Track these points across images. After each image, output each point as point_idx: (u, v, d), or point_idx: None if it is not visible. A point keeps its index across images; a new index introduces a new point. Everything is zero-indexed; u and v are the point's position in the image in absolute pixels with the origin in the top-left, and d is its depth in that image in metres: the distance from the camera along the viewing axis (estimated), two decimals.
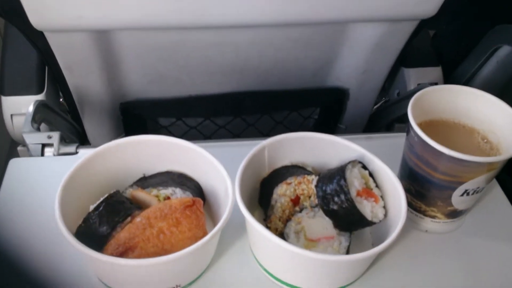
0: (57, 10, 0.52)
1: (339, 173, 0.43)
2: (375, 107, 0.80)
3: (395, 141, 0.54)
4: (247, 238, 0.47)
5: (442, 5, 0.57)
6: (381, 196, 0.45)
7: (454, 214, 0.47)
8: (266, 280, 0.45)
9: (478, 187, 0.44)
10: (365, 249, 0.40)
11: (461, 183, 0.43)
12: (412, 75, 0.74)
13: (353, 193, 0.42)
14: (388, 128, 0.78)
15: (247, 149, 0.46)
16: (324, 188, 0.43)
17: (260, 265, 0.45)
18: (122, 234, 0.41)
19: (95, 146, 0.47)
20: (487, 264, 0.48)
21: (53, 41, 0.58)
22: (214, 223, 0.48)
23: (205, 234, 0.43)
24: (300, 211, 0.45)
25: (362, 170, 0.45)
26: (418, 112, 0.45)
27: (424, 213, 0.48)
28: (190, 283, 0.44)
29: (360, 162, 0.45)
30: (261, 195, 0.48)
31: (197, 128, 0.76)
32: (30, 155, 0.57)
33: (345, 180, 0.42)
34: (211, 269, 0.46)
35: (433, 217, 0.48)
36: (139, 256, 0.40)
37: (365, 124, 0.80)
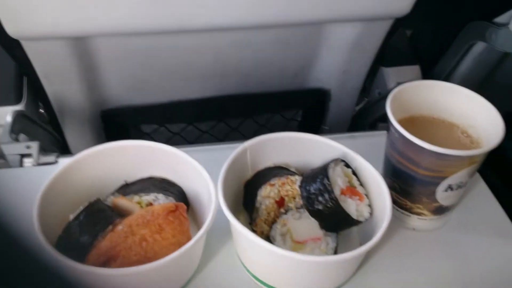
0: (32, 18, 0.51)
1: (322, 172, 0.43)
2: (358, 107, 0.81)
3: (378, 139, 0.54)
4: (233, 243, 0.47)
5: (416, 3, 0.57)
6: (366, 195, 0.44)
7: (440, 210, 0.47)
8: (254, 285, 0.45)
9: (462, 182, 0.44)
10: (352, 249, 0.39)
11: (444, 178, 0.43)
12: (391, 74, 0.75)
13: (337, 192, 0.42)
14: (372, 127, 0.78)
15: (230, 152, 0.46)
16: (307, 188, 0.43)
17: (247, 269, 0.45)
18: (103, 243, 0.40)
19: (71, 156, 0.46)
20: (476, 259, 0.48)
21: (29, 49, 0.57)
22: (199, 229, 0.47)
23: (189, 240, 0.42)
24: (286, 212, 0.45)
25: (345, 168, 0.45)
26: (397, 109, 0.45)
27: (410, 211, 0.48)
28: None
29: (343, 161, 0.45)
30: (245, 198, 0.48)
31: (181, 134, 0.76)
32: (9, 167, 0.56)
33: (328, 179, 0.42)
34: (198, 276, 0.45)
35: (420, 214, 0.48)
36: (122, 265, 0.39)
37: (349, 125, 0.81)
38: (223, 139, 0.77)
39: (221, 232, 0.46)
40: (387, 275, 0.46)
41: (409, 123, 0.46)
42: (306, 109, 0.76)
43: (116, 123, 0.73)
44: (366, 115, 0.79)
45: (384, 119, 0.75)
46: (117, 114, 0.72)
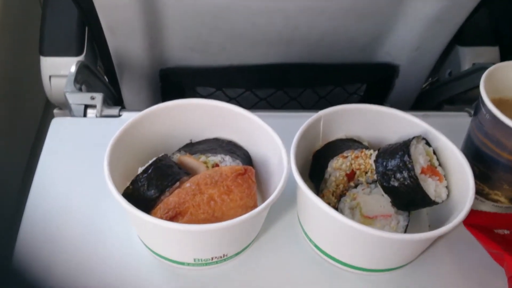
0: None
1: (403, 148, 0.40)
2: (423, 86, 0.77)
3: (454, 120, 0.51)
4: (296, 211, 0.45)
5: None
6: (444, 176, 0.42)
7: None
8: (315, 254, 0.44)
9: None
10: (421, 231, 0.37)
11: None
12: (467, 54, 0.70)
13: (417, 170, 0.40)
14: (436, 109, 0.74)
15: (293, 121, 0.44)
16: (385, 163, 0.41)
17: (309, 239, 0.44)
18: (172, 199, 0.40)
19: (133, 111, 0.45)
20: None
21: (98, 0, 0.56)
22: (262, 194, 0.46)
23: (255, 203, 0.41)
24: (355, 186, 0.43)
25: (427, 146, 0.42)
26: (489, 88, 0.42)
27: (487, 197, 0.45)
28: (237, 253, 0.43)
29: (424, 139, 0.43)
30: (313, 168, 0.46)
31: (237, 99, 0.74)
32: (72, 116, 0.57)
33: (409, 156, 0.40)
34: (259, 241, 0.44)
35: (496, 201, 0.45)
36: (189, 222, 0.39)
37: (412, 104, 0.77)
38: (280, 108, 0.75)
39: (284, 200, 0.44)
40: (452, 260, 0.44)
41: (499, 104, 0.43)
42: (370, 84, 0.73)
43: (174, 83, 0.72)
44: (434, 95, 0.75)
45: (452, 101, 0.72)
46: (175, 74, 0.71)
